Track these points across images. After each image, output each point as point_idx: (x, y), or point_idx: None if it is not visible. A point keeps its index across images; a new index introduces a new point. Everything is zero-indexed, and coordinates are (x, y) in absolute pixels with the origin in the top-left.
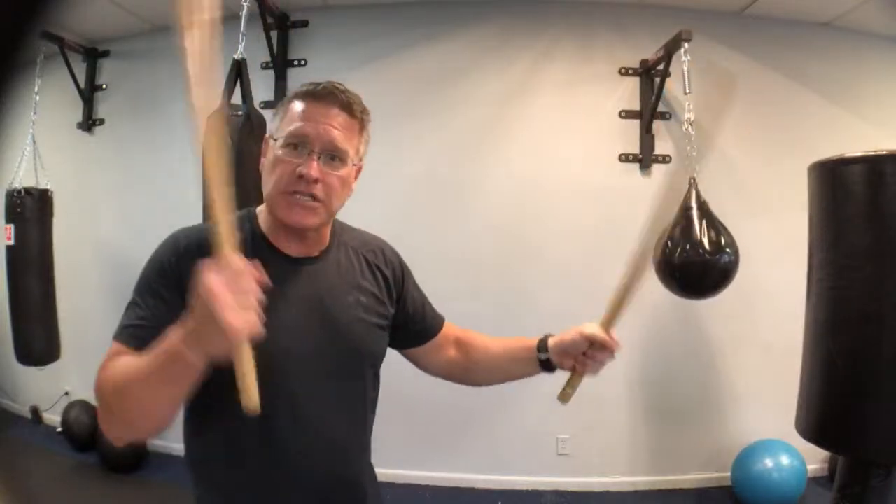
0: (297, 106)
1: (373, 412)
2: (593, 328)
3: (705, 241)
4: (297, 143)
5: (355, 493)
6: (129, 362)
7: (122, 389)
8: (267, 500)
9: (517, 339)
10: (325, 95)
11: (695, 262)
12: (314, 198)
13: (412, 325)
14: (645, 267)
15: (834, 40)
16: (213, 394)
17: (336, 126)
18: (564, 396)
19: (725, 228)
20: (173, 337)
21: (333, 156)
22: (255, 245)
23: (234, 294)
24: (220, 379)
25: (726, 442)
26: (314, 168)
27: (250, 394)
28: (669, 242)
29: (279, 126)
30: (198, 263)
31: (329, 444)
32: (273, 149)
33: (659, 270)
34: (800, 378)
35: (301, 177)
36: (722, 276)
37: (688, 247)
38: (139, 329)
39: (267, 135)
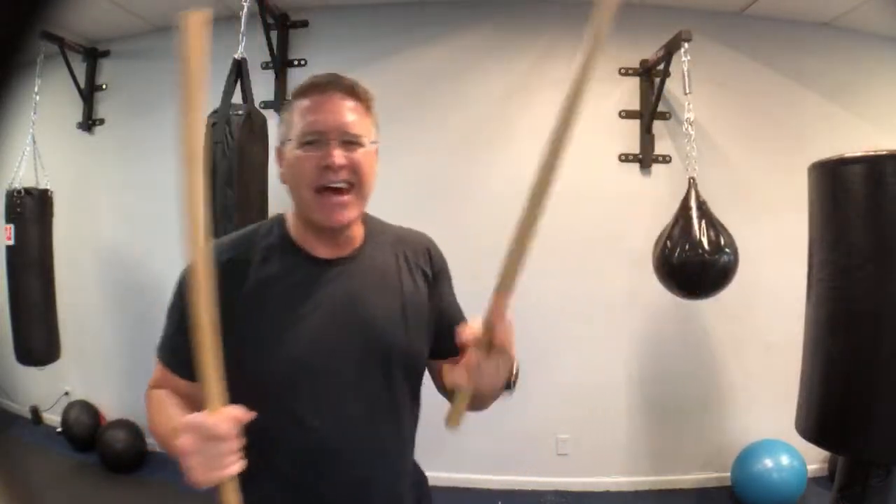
0: (302, 103)
1: (411, 415)
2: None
3: (704, 240)
4: (312, 138)
5: (391, 497)
6: (157, 404)
7: (150, 423)
8: (297, 496)
9: None
10: (325, 84)
11: (694, 262)
12: (346, 187)
13: (434, 334)
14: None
15: (834, 40)
16: (248, 393)
17: (345, 111)
18: (452, 420)
19: (725, 228)
20: (176, 430)
21: (350, 140)
22: (283, 250)
23: (205, 456)
24: (246, 379)
25: (726, 442)
26: (338, 155)
27: None
28: (668, 242)
29: (290, 129)
30: (227, 279)
31: (358, 446)
32: (289, 153)
33: (658, 270)
34: (800, 378)
35: (327, 167)
36: (721, 276)
37: (687, 247)
38: (174, 353)
39: (277, 143)
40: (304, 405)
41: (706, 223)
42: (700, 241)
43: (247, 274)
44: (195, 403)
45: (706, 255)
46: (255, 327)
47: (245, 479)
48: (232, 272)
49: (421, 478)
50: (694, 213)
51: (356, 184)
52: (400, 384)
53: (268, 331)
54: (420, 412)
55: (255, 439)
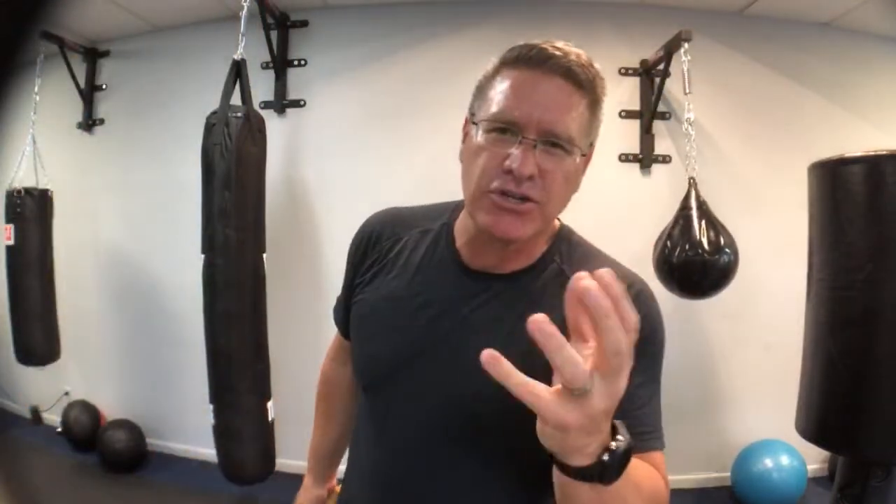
0: (505, 78)
1: (499, 496)
2: None
3: (704, 241)
4: (504, 127)
5: None
6: (317, 405)
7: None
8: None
9: None
10: (541, 61)
11: (694, 262)
12: (527, 199)
13: None
14: None
15: (834, 40)
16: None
17: (557, 104)
18: None
19: (724, 228)
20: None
21: (554, 142)
22: (435, 241)
23: None
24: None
25: (726, 442)
26: (529, 162)
27: None
28: (668, 242)
29: (483, 105)
30: (362, 249)
31: (396, 488)
32: (474, 136)
33: (658, 270)
34: (800, 378)
35: (509, 171)
36: (721, 276)
37: (687, 247)
38: (336, 307)
39: (467, 115)
40: (374, 406)
41: (706, 223)
42: (700, 241)
43: (387, 248)
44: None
45: (706, 255)
46: (361, 307)
47: (346, 474)
48: (376, 241)
49: None
50: (694, 213)
51: (540, 202)
52: (483, 455)
53: (367, 316)
54: None
55: (353, 434)
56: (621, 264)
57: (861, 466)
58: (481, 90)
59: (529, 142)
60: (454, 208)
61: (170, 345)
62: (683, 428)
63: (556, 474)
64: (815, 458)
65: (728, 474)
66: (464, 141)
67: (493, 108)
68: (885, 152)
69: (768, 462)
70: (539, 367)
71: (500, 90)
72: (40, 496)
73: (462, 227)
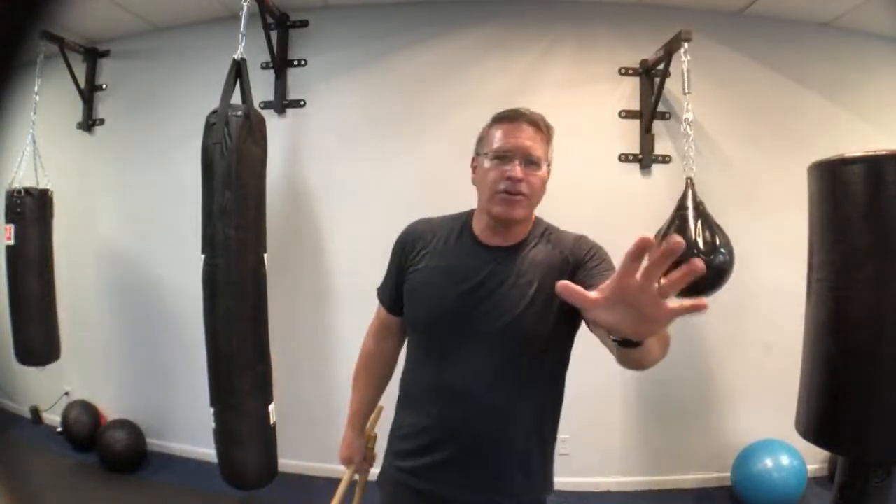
0: (497, 129)
1: (537, 387)
2: None
3: (700, 241)
4: (503, 155)
5: (501, 440)
6: (358, 370)
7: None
8: (427, 418)
9: None
10: (517, 117)
11: None
12: (520, 193)
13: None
14: None
15: (834, 40)
16: (415, 340)
17: (529, 139)
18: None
19: (721, 228)
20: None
21: (531, 161)
22: (461, 232)
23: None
24: (422, 335)
25: (726, 442)
26: (519, 171)
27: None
28: (664, 242)
29: (485, 146)
30: (411, 243)
31: (469, 388)
32: (482, 164)
33: None
34: (800, 378)
35: (509, 178)
36: (717, 277)
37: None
38: (382, 290)
39: (474, 155)
40: (434, 346)
41: (702, 223)
42: (696, 242)
43: (428, 242)
44: (394, 340)
45: (702, 255)
46: (416, 279)
47: (397, 410)
48: (418, 238)
49: (537, 458)
50: (690, 213)
51: (529, 194)
52: (511, 354)
53: (423, 284)
54: (554, 393)
55: (406, 375)
56: (572, 233)
57: (861, 466)
58: (483, 138)
59: (518, 161)
60: (468, 214)
61: (170, 345)
62: (683, 428)
63: (621, 351)
64: (815, 458)
65: (728, 474)
66: (474, 171)
67: (495, 145)
68: (885, 152)
69: (768, 462)
70: (537, 303)
71: (496, 135)
72: (40, 496)
73: (476, 222)
